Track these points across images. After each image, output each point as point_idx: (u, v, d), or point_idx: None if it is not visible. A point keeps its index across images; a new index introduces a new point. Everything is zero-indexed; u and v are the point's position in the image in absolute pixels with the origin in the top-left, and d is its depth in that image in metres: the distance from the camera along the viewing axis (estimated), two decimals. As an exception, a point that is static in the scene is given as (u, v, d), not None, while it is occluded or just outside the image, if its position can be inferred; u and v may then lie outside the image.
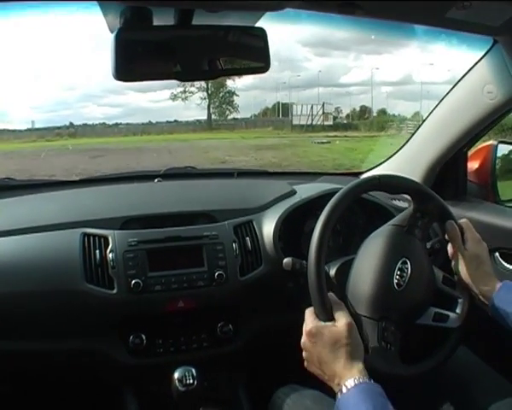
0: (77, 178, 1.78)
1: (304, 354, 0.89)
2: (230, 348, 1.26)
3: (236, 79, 17.88)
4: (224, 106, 19.47)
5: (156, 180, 1.57)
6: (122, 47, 0.85)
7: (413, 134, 1.59)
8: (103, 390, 1.33)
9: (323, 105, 18.35)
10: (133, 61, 0.87)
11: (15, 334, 1.16)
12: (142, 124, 18.94)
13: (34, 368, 1.25)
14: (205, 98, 18.81)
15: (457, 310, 1.03)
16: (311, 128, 17.47)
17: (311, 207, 1.32)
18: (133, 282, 1.16)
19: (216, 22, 0.90)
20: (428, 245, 1.10)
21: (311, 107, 18.03)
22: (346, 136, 15.42)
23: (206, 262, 1.22)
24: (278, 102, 19.91)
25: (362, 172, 1.77)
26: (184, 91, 18.55)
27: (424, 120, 1.54)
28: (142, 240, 1.21)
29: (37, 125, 17.99)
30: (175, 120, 19.42)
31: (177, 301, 1.20)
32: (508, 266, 1.34)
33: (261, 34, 0.91)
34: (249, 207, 1.35)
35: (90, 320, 1.17)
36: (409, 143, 1.60)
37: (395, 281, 0.98)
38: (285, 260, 1.11)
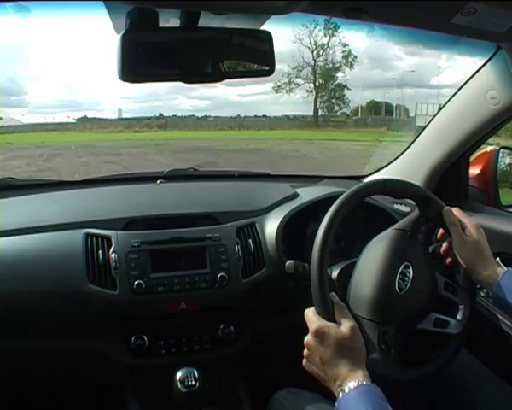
0: (79, 179, 1.78)
1: (305, 352, 0.88)
2: (232, 349, 1.26)
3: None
4: (333, 101, 16.86)
5: (159, 181, 1.57)
6: (128, 48, 0.85)
7: (416, 138, 1.59)
8: (105, 391, 1.33)
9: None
10: (139, 62, 0.87)
11: (17, 333, 1.16)
12: (231, 117, 17.25)
13: (35, 368, 1.25)
14: (311, 91, 16.47)
15: (458, 316, 1.03)
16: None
17: (313, 210, 1.32)
18: (136, 283, 1.16)
19: (222, 25, 0.91)
20: (430, 249, 1.10)
21: (439, 106, 15.40)
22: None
23: (209, 264, 1.23)
24: (382, 102, 17.05)
25: (364, 176, 1.77)
26: (289, 82, 15.98)
27: (427, 125, 1.54)
28: (145, 241, 1.21)
29: (126, 116, 16.18)
30: (263, 115, 17.61)
31: (179, 302, 1.20)
32: (509, 271, 1.34)
33: (267, 37, 0.91)
34: (252, 209, 1.36)
35: (92, 321, 1.17)
36: (411, 147, 1.60)
37: (397, 285, 0.98)
38: (288, 263, 1.11)
